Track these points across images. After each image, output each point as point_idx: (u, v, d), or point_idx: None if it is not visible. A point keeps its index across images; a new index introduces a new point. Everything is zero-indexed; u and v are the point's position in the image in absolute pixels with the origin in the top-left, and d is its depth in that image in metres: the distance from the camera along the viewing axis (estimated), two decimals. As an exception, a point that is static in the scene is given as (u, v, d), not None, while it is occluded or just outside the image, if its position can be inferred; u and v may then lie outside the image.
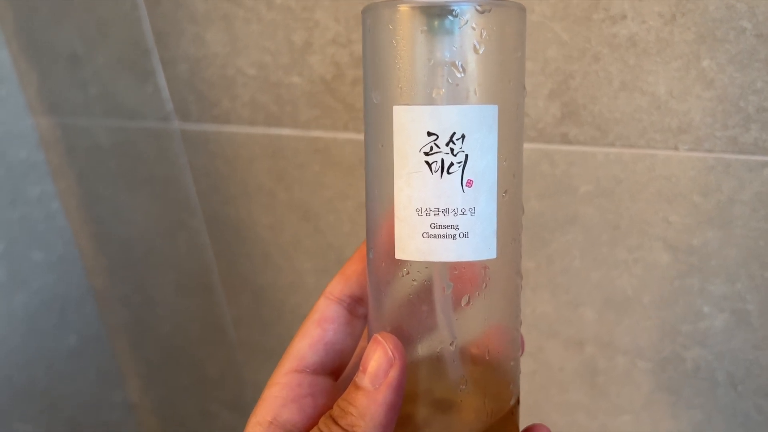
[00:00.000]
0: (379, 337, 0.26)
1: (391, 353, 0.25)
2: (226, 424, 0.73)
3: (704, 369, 0.43)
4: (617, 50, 0.37)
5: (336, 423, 0.25)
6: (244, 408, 0.70)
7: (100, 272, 0.71)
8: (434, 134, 0.24)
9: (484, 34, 0.24)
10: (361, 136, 0.47)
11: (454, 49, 0.24)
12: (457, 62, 0.24)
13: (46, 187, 0.67)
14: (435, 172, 0.24)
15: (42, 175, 0.66)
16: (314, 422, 0.28)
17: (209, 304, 0.65)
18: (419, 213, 0.25)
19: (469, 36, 0.24)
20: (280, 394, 0.28)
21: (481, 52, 0.24)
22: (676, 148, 0.38)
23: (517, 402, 0.29)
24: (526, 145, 0.42)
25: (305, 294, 0.58)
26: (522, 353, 0.30)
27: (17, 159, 0.64)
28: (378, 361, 0.25)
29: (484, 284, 0.26)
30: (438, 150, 0.24)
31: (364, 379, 0.25)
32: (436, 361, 0.27)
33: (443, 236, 0.25)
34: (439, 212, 0.25)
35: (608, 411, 0.48)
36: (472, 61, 0.24)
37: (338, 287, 0.30)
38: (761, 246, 0.38)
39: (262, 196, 0.55)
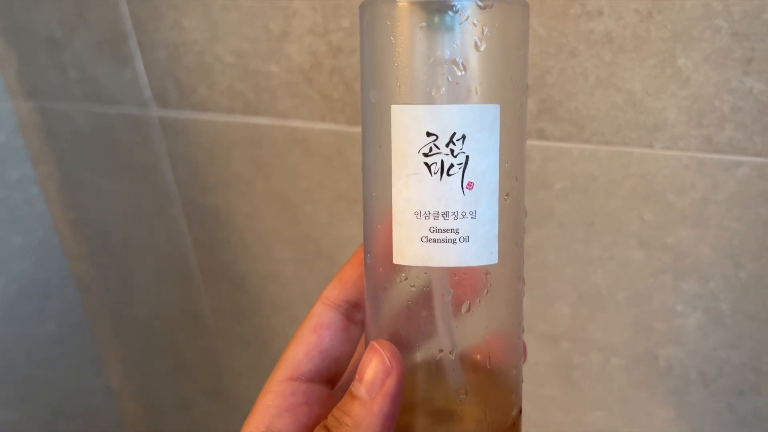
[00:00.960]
0: (376, 345, 0.25)
1: (388, 362, 0.24)
2: (204, 410, 0.73)
3: (677, 367, 0.43)
4: (593, 46, 0.37)
5: None
6: (221, 395, 0.70)
7: (80, 258, 0.71)
8: (434, 134, 0.23)
9: (486, 31, 0.23)
10: (338, 127, 0.47)
11: (455, 46, 0.23)
12: (457, 60, 0.23)
13: (25, 171, 0.66)
14: (434, 173, 0.24)
15: (21, 159, 0.65)
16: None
17: (188, 291, 0.64)
18: (418, 216, 0.24)
19: (470, 33, 0.23)
20: (274, 403, 0.27)
21: (482, 49, 0.23)
22: (651, 146, 0.38)
23: (520, 412, 0.28)
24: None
25: (283, 283, 0.58)
26: (524, 361, 0.29)
27: (-4, 143, 0.63)
28: (374, 370, 0.24)
29: (485, 290, 0.25)
30: (438, 151, 0.23)
31: (360, 389, 0.25)
32: (436, 369, 0.26)
33: (443, 240, 0.24)
34: (439, 216, 0.24)
35: (582, 406, 0.48)
36: (473, 59, 0.23)
37: (335, 292, 0.29)
38: (735, 246, 0.38)
39: (240, 184, 0.54)
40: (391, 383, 0.24)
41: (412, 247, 0.24)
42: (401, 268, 0.25)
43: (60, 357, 0.73)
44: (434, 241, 0.24)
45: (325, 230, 0.52)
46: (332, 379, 0.29)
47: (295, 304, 0.58)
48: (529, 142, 0.41)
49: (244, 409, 0.69)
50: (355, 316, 0.29)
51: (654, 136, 0.37)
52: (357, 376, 0.25)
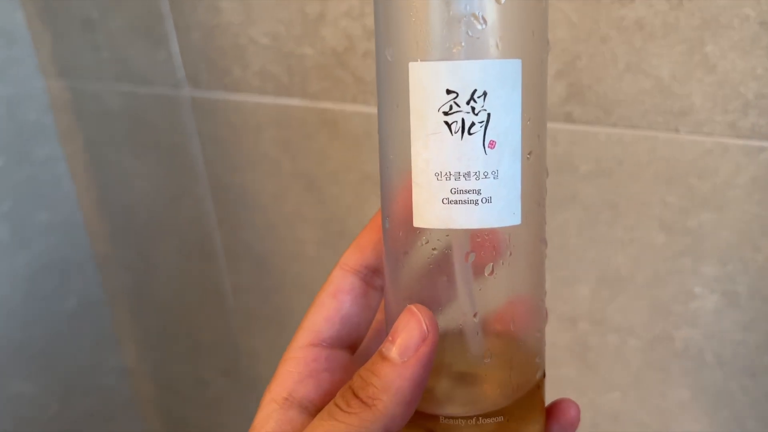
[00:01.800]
0: (414, 308, 0.24)
1: (425, 326, 0.24)
2: (219, 390, 0.74)
3: (693, 348, 0.45)
4: (624, 33, 0.38)
5: (356, 395, 0.24)
6: (238, 375, 0.72)
7: (102, 237, 0.72)
8: (454, 92, 0.22)
9: None
10: (369, 109, 0.48)
11: None
12: (477, 13, 0.22)
13: (53, 149, 0.67)
14: (455, 133, 0.23)
15: (50, 138, 0.67)
16: (331, 398, 0.26)
17: (210, 271, 0.66)
18: (438, 177, 0.23)
19: None
20: (296, 369, 0.27)
21: (503, 1, 0.22)
22: (676, 131, 0.39)
23: (543, 375, 0.28)
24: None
25: (305, 263, 0.59)
26: (546, 323, 0.29)
27: (27, 120, 0.65)
28: (410, 333, 0.23)
29: (509, 252, 0.25)
30: (458, 109, 0.22)
31: (392, 350, 0.23)
32: (459, 333, 0.25)
33: (464, 201, 0.23)
34: (460, 176, 0.23)
35: (597, 387, 0.49)
36: (493, 12, 0.22)
37: (353, 258, 0.29)
38: (754, 229, 0.40)
39: (267, 165, 0.56)
40: (425, 349, 0.23)
41: (432, 210, 0.24)
42: (422, 231, 0.24)
43: (77, 334, 0.74)
44: (456, 202, 0.23)
45: (350, 211, 0.54)
46: (353, 346, 0.29)
47: (316, 285, 0.59)
48: (556, 125, 0.42)
49: (260, 388, 0.70)
50: (374, 282, 0.29)
51: (680, 120, 0.39)
52: (390, 337, 0.24)
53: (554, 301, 0.48)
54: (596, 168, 0.42)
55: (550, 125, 0.42)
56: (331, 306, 0.28)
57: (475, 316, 0.25)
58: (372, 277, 0.29)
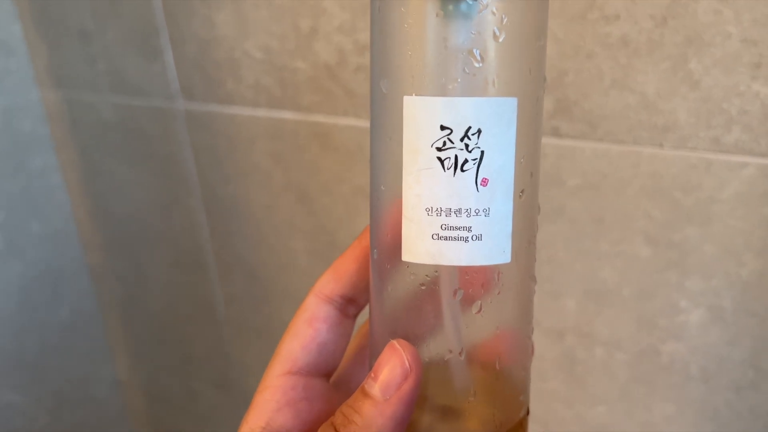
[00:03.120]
0: (397, 345, 0.24)
1: (408, 364, 0.23)
2: (211, 402, 0.74)
3: (678, 362, 0.45)
4: (610, 49, 0.39)
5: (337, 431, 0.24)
6: (230, 386, 0.72)
7: (96, 247, 0.72)
8: (448, 128, 0.22)
9: (505, 20, 0.22)
10: (360, 122, 0.49)
11: (472, 35, 0.22)
12: (474, 50, 0.22)
13: (48, 160, 0.68)
14: (448, 169, 0.23)
15: (45, 148, 0.67)
16: (309, 428, 0.26)
17: (201, 282, 0.66)
18: (429, 213, 0.23)
19: (488, 22, 0.22)
20: (273, 398, 0.26)
21: (501, 39, 0.22)
22: (661, 146, 0.40)
23: (527, 413, 0.28)
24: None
25: (297, 274, 0.60)
26: (533, 355, 0.29)
27: (22, 130, 0.65)
28: (393, 371, 0.23)
29: (497, 290, 0.25)
30: (452, 145, 0.22)
31: (374, 387, 0.23)
32: (444, 369, 0.25)
33: (455, 238, 0.23)
34: (451, 212, 0.23)
35: (584, 400, 0.50)
36: (491, 50, 0.22)
37: (329, 286, 0.28)
38: (738, 244, 0.40)
39: (260, 176, 0.56)
40: (408, 387, 0.23)
41: (422, 245, 0.23)
42: (410, 265, 0.24)
43: (70, 345, 0.74)
44: (446, 238, 0.23)
45: (342, 223, 0.54)
46: (329, 373, 0.29)
47: (307, 297, 0.60)
48: (544, 140, 0.43)
49: (251, 401, 0.70)
50: (348, 311, 0.29)
51: (664, 136, 0.39)
52: (372, 374, 0.24)
53: (541, 315, 0.48)
54: (583, 182, 0.43)
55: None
56: (307, 334, 0.28)
57: (461, 353, 0.25)
58: (346, 307, 0.29)
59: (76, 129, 0.66)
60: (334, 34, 0.47)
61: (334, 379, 0.30)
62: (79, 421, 0.77)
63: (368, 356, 0.28)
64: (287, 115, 0.52)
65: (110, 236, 0.71)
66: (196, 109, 0.56)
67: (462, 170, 0.23)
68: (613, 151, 0.41)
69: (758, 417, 0.44)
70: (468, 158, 0.23)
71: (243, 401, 0.71)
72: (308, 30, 0.48)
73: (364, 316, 0.29)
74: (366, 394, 0.23)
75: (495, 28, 0.22)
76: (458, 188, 0.23)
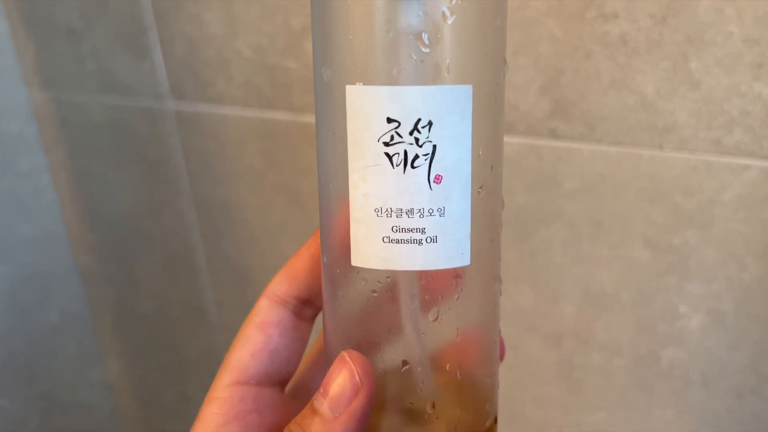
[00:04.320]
0: (346, 357, 0.22)
1: (358, 378, 0.22)
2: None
3: (678, 368, 0.44)
4: (608, 48, 0.38)
5: None
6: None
7: (85, 249, 0.71)
8: (395, 121, 0.20)
9: None
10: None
11: (419, 16, 0.20)
12: (422, 33, 0.20)
13: (37, 160, 0.67)
14: (397, 166, 0.21)
15: (33, 149, 0.66)
16: None
17: (193, 284, 0.65)
18: (378, 214, 0.21)
19: (437, 1, 0.20)
20: (221, 410, 0.25)
21: (451, 21, 0.20)
22: (660, 148, 0.39)
23: (495, 421, 0.26)
24: (514, 139, 0.42)
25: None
26: (502, 360, 0.27)
27: (10, 131, 0.64)
28: (342, 386, 0.22)
29: (456, 295, 0.23)
30: (400, 140, 0.20)
31: (323, 404, 0.22)
32: (401, 381, 0.24)
33: (407, 241, 0.21)
34: (402, 213, 0.21)
35: (583, 406, 0.49)
36: (440, 32, 0.20)
37: (282, 287, 0.27)
38: (739, 248, 0.39)
39: (251, 178, 0.55)
40: (358, 403, 0.22)
41: (372, 248, 0.22)
42: (361, 270, 0.22)
43: (59, 348, 0.73)
44: (397, 241, 0.21)
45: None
46: (283, 381, 0.27)
47: (300, 300, 0.59)
48: (541, 142, 0.42)
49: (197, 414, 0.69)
50: (304, 313, 0.27)
51: (664, 137, 0.39)
52: (321, 389, 0.22)
53: (539, 319, 0.47)
54: (581, 185, 0.42)
55: (535, 141, 0.42)
56: (257, 340, 0.26)
57: (419, 362, 0.23)
58: (302, 309, 0.27)
59: (64, 129, 0.64)
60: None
61: (291, 387, 0.28)
62: (69, 425, 0.76)
63: (324, 365, 0.26)
64: (279, 115, 0.51)
65: (100, 238, 0.70)
66: (186, 109, 0.55)
67: (412, 167, 0.21)
68: (611, 153, 0.40)
69: (760, 423, 0.43)
70: (419, 153, 0.21)
71: (236, 405, 0.70)
72: (300, 29, 0.47)
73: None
74: (315, 411, 0.22)
75: (445, 8, 0.20)
76: (409, 186, 0.21)
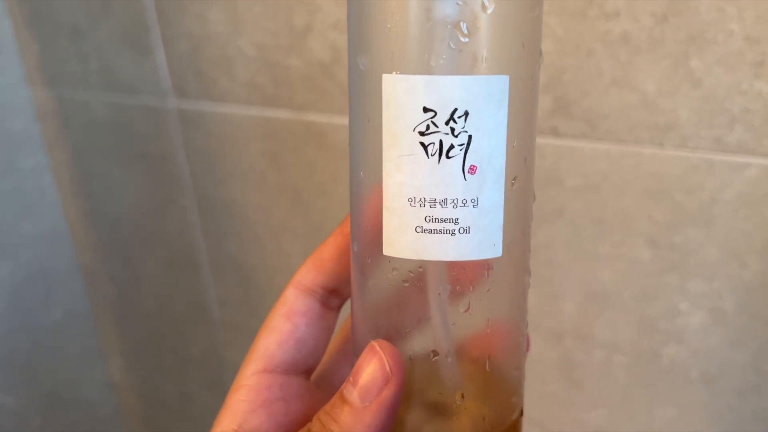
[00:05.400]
0: (377, 346, 0.22)
1: (388, 367, 0.22)
2: (205, 404, 0.74)
3: (679, 366, 0.44)
4: (610, 47, 0.38)
5: None
6: (224, 389, 0.71)
7: (88, 248, 0.71)
8: (431, 110, 0.20)
9: None
10: (355, 121, 0.48)
11: (458, 5, 0.20)
12: (460, 23, 0.20)
13: (39, 159, 0.67)
14: (432, 155, 0.21)
15: (36, 147, 0.66)
16: (285, 430, 0.25)
17: (195, 283, 0.65)
18: (412, 203, 0.21)
19: None
20: (247, 398, 0.25)
21: (490, 11, 0.20)
22: (662, 146, 0.39)
23: (521, 414, 0.26)
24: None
25: (291, 276, 0.59)
26: (528, 352, 0.27)
27: (13, 130, 0.64)
28: (372, 375, 0.22)
29: (488, 287, 0.23)
30: (436, 129, 0.20)
31: (353, 393, 0.22)
32: (430, 371, 0.24)
33: (440, 231, 0.21)
34: (436, 203, 0.21)
35: (584, 404, 0.49)
36: (479, 22, 0.20)
37: (309, 276, 0.27)
38: (740, 246, 0.39)
39: (254, 177, 0.55)
40: (388, 392, 0.22)
41: (404, 238, 0.22)
42: (392, 260, 0.22)
43: (62, 346, 0.73)
44: (430, 231, 0.21)
45: (337, 224, 0.53)
46: (309, 370, 0.27)
47: (302, 298, 0.59)
48: (543, 140, 0.42)
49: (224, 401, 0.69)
50: (331, 303, 0.27)
51: (665, 135, 0.39)
52: (351, 378, 0.22)
53: (540, 317, 0.47)
54: (583, 182, 0.42)
55: (537, 139, 0.42)
56: (284, 328, 0.26)
57: (448, 354, 0.23)
58: (329, 298, 0.27)
59: (67, 128, 0.65)
60: (329, 31, 0.46)
61: (316, 376, 0.28)
62: (71, 423, 0.76)
63: (351, 353, 0.26)
64: (281, 113, 0.51)
65: (103, 236, 0.70)
66: (188, 107, 0.55)
67: (447, 157, 0.21)
68: (613, 151, 0.40)
69: (761, 421, 0.43)
70: (454, 143, 0.20)
71: (238, 403, 0.70)
72: (302, 27, 0.47)
73: (349, 307, 0.28)
74: (344, 400, 0.22)
75: None
76: (443, 176, 0.21)
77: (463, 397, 0.24)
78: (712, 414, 0.44)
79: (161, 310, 0.70)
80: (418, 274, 0.22)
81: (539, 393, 0.50)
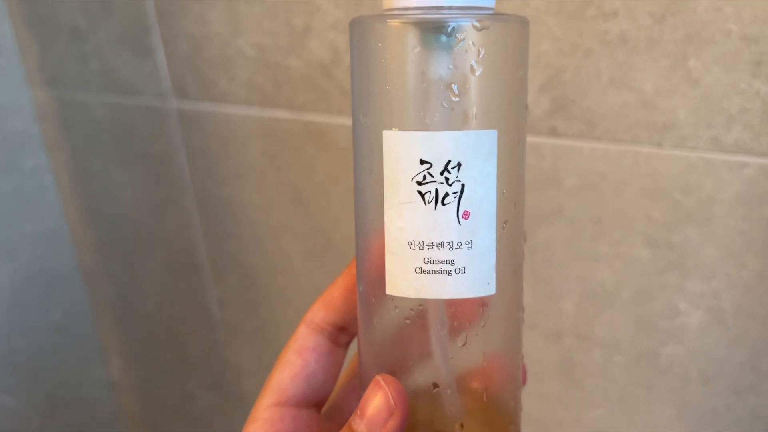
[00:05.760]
0: (381, 381, 0.24)
1: (392, 400, 0.23)
2: (205, 404, 0.74)
3: (678, 365, 0.44)
4: (608, 47, 0.38)
5: None
6: (224, 389, 0.71)
7: (88, 248, 0.72)
8: (427, 162, 0.22)
9: (483, 53, 0.22)
10: (354, 122, 0.48)
11: (450, 69, 0.22)
12: (452, 84, 0.22)
13: (39, 159, 0.67)
14: (429, 203, 0.23)
15: (36, 148, 0.67)
16: None
17: (195, 283, 0.65)
18: (412, 246, 0.23)
19: (465, 55, 0.22)
20: (262, 430, 0.26)
21: (478, 73, 0.22)
22: (660, 145, 0.39)
23: None
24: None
25: (292, 276, 0.59)
26: (524, 384, 0.29)
27: (13, 130, 0.64)
28: (378, 408, 0.23)
29: (483, 322, 0.25)
30: (432, 179, 0.23)
31: (361, 425, 0.24)
32: (431, 402, 0.25)
33: (438, 272, 0.23)
34: (434, 246, 0.23)
35: (583, 404, 0.49)
36: (469, 83, 0.22)
37: (320, 314, 0.29)
38: (738, 245, 0.39)
39: (254, 177, 0.56)
40: (393, 423, 0.23)
41: (405, 279, 0.24)
42: (394, 299, 0.24)
43: (62, 347, 0.74)
44: (429, 272, 0.23)
45: (337, 224, 0.54)
46: (319, 403, 0.29)
47: (303, 298, 0.59)
48: (541, 140, 0.42)
49: (246, 403, 0.69)
50: (340, 339, 0.29)
51: (663, 135, 0.39)
52: (358, 411, 0.24)
53: (539, 317, 0.47)
54: (581, 182, 0.42)
55: (535, 139, 0.42)
56: (296, 364, 0.28)
57: (448, 385, 0.25)
58: (338, 335, 0.29)
59: (67, 128, 0.65)
60: (328, 32, 0.46)
61: (327, 409, 0.30)
62: (72, 423, 0.76)
63: (358, 387, 0.28)
64: (281, 114, 0.51)
65: (103, 237, 0.70)
66: (188, 108, 0.55)
67: (443, 204, 0.23)
68: (611, 151, 0.41)
69: (759, 420, 0.43)
70: (449, 191, 0.23)
71: (237, 404, 0.71)
72: (302, 27, 0.47)
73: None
74: (353, 431, 0.24)
75: (473, 62, 0.22)
76: (440, 222, 0.23)
77: (462, 426, 0.25)
78: (710, 413, 0.45)
79: (161, 310, 0.70)
80: (419, 311, 0.24)
81: (538, 392, 0.50)
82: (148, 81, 0.56)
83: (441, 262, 0.23)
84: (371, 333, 0.26)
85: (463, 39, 0.22)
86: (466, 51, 0.22)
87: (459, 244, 0.23)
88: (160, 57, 0.55)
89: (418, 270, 0.23)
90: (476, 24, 0.22)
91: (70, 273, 0.73)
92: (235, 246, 0.60)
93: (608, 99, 0.39)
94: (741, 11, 0.34)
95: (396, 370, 0.25)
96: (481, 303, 0.24)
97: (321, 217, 0.54)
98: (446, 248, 0.23)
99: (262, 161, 0.54)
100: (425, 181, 0.23)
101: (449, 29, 0.22)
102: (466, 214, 0.23)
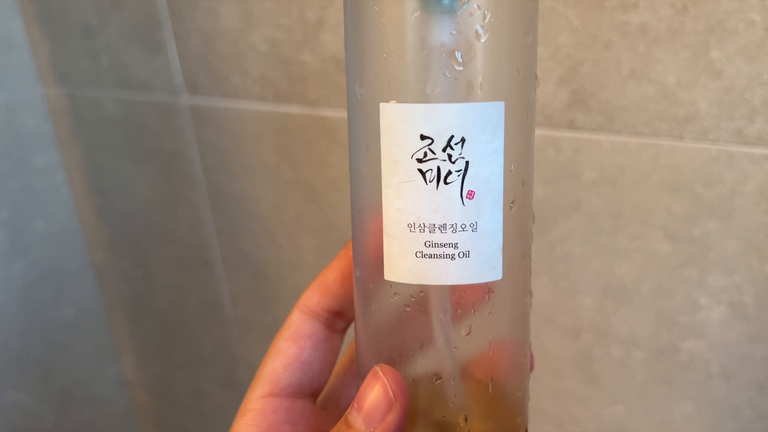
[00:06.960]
0: (380, 371, 0.22)
1: (392, 393, 0.22)
2: (218, 401, 0.74)
3: (698, 360, 0.44)
4: (628, 38, 0.38)
5: None
6: (237, 386, 0.71)
7: (100, 245, 0.71)
8: (429, 138, 0.20)
9: (489, 17, 0.20)
10: (369, 116, 0.48)
11: (452, 35, 0.20)
12: (455, 52, 0.20)
13: (52, 157, 0.67)
14: (430, 182, 0.21)
15: (48, 145, 0.66)
16: None
17: (208, 280, 0.65)
18: (412, 229, 0.21)
19: (470, 19, 0.20)
20: (254, 422, 0.25)
21: (484, 39, 0.20)
22: (681, 138, 0.39)
23: None
24: (533, 131, 0.42)
25: (305, 272, 0.59)
26: (531, 372, 0.27)
27: (25, 128, 0.64)
28: (376, 400, 0.22)
29: (488, 309, 0.23)
30: (433, 156, 0.21)
31: (358, 419, 0.22)
32: (434, 394, 0.24)
33: (440, 256, 0.21)
34: (435, 228, 0.21)
35: (601, 400, 0.49)
36: (473, 50, 0.20)
37: (314, 299, 0.27)
38: (761, 239, 0.39)
39: (267, 173, 0.55)
40: (392, 417, 0.22)
41: (405, 263, 0.22)
42: (394, 285, 0.22)
43: (75, 344, 0.74)
44: (430, 256, 0.22)
45: (350, 219, 0.53)
46: (315, 393, 0.27)
47: (315, 294, 0.59)
48: (560, 133, 0.42)
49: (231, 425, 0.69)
50: (336, 325, 0.27)
51: (684, 128, 0.38)
52: (355, 404, 0.22)
53: (557, 312, 0.47)
54: (600, 176, 0.42)
55: (553, 132, 0.42)
56: (290, 352, 0.26)
57: (451, 376, 0.23)
58: (334, 321, 0.27)
59: (79, 125, 0.64)
60: (342, 26, 0.46)
61: (323, 398, 0.28)
62: (84, 421, 0.76)
63: (355, 377, 0.27)
64: (294, 109, 0.51)
65: (115, 234, 0.70)
66: (200, 103, 0.55)
67: (445, 183, 0.21)
68: (631, 144, 0.40)
69: (781, 416, 0.43)
70: (452, 170, 0.21)
71: (251, 400, 0.70)
72: (315, 21, 0.47)
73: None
74: (349, 426, 0.22)
75: (478, 26, 0.20)
76: (442, 202, 0.21)
77: (466, 419, 0.24)
78: (731, 409, 0.44)
79: (174, 307, 0.70)
80: (420, 298, 0.23)
81: (556, 389, 0.50)
82: (160, 77, 0.56)
83: (443, 245, 0.21)
84: (369, 321, 0.24)
85: (468, 1, 0.20)
86: (471, 14, 0.20)
87: (463, 226, 0.21)
88: (172, 52, 0.54)
89: (419, 254, 0.22)
90: None
91: (83, 270, 0.73)
92: (248, 242, 0.60)
93: (628, 91, 0.39)
94: (765, 1, 0.34)
95: (395, 360, 0.23)
96: (487, 289, 0.23)
97: (334, 213, 0.54)
98: (449, 231, 0.21)
99: (274, 157, 0.54)
100: (426, 158, 0.21)
101: None
102: (471, 194, 0.21)
